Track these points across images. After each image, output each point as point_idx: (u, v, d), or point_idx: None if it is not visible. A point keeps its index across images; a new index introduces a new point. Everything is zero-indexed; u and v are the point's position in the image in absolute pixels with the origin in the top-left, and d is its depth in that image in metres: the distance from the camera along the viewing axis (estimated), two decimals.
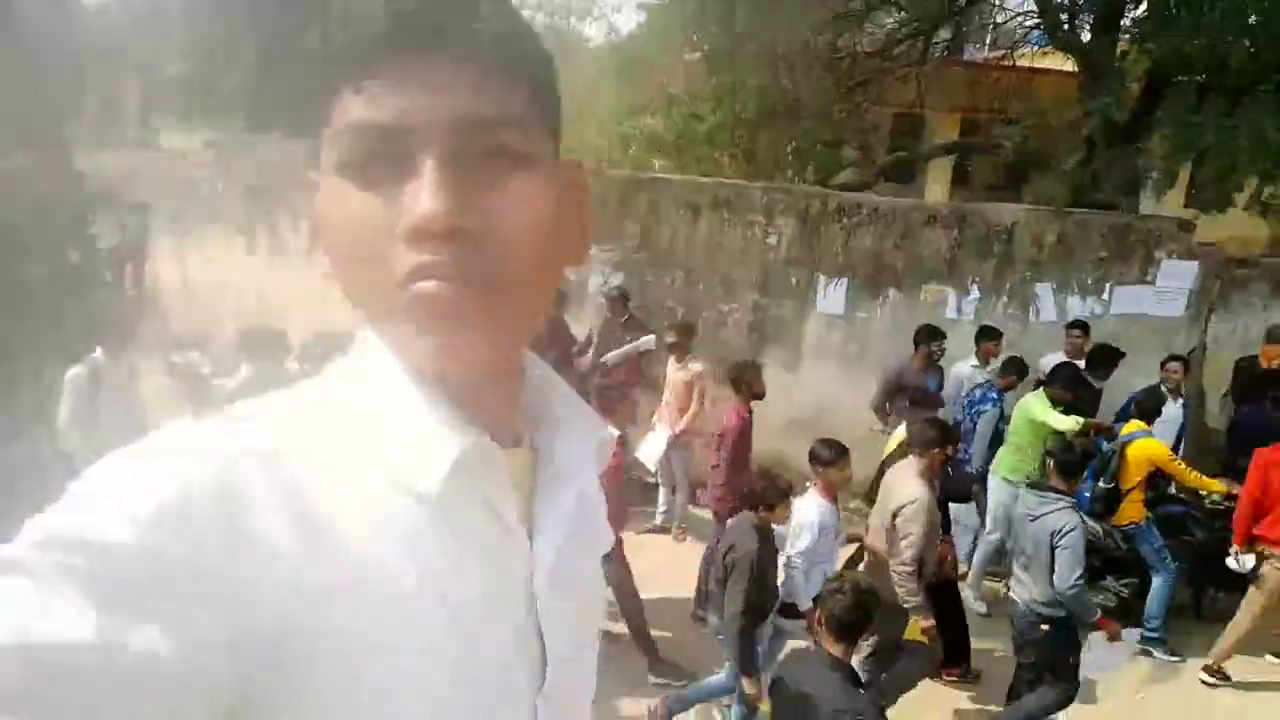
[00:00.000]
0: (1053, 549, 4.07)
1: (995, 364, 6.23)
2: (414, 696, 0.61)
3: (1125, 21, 7.96)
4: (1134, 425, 5.43)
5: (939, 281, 7.17)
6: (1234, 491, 5.20)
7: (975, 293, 7.14)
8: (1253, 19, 6.49)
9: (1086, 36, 8.39)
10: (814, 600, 3.71)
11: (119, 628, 0.49)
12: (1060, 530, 4.05)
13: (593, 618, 0.81)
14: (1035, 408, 5.53)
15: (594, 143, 11.42)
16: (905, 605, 4.03)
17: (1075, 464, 4.27)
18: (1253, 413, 5.95)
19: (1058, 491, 4.19)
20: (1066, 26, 8.40)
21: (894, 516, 4.11)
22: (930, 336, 6.12)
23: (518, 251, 0.63)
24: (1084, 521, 4.27)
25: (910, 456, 4.28)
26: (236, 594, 0.54)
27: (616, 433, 0.84)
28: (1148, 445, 5.28)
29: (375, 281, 0.63)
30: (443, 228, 0.59)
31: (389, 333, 0.66)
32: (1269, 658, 5.35)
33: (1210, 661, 5.12)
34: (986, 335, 6.32)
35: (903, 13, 9.57)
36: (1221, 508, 5.44)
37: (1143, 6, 7.74)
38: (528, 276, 0.64)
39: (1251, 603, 5.01)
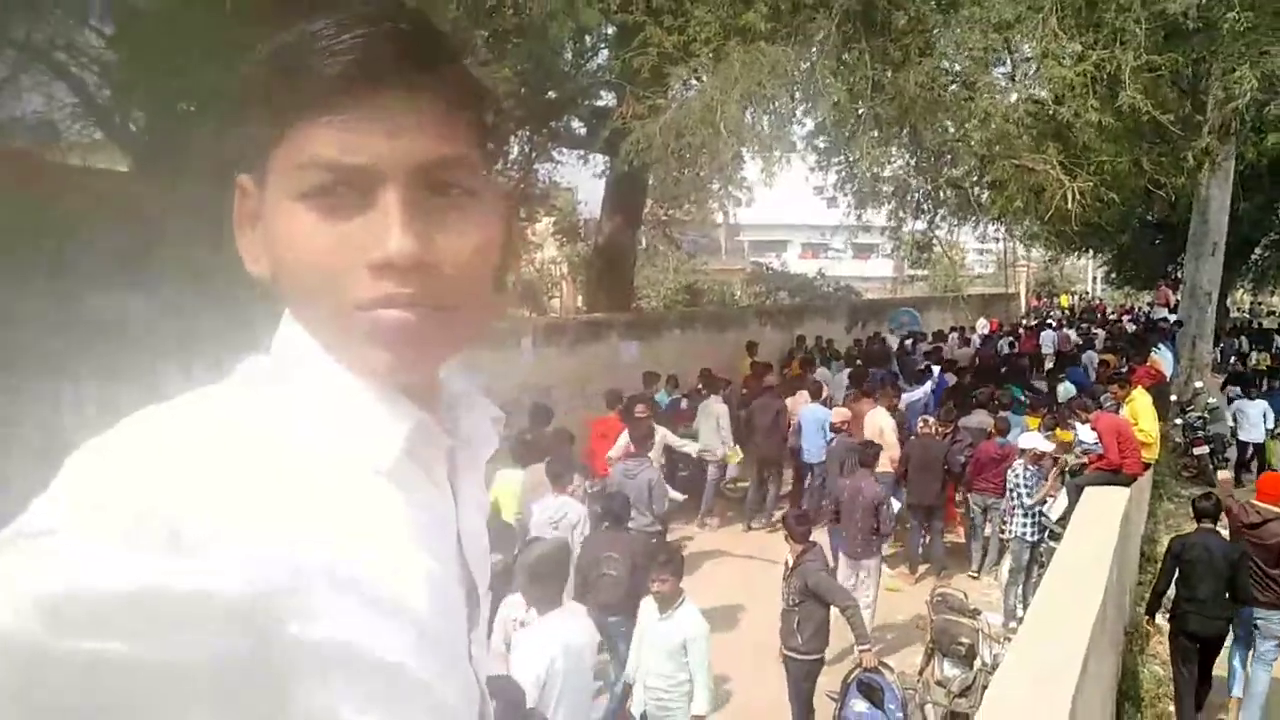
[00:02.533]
0: None
1: None
2: (390, 636, 0.67)
3: None
4: None
5: None
6: None
7: None
8: None
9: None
10: None
11: (162, 569, 0.55)
12: None
13: (488, 566, 0.92)
14: None
15: None
16: None
17: None
18: None
19: None
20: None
21: None
22: None
23: (468, 277, 0.71)
24: None
25: None
26: (247, 536, 0.60)
27: (502, 413, 0.91)
28: None
29: (332, 304, 0.69)
30: (409, 262, 0.67)
31: (341, 347, 0.71)
32: None
33: None
34: None
35: None
36: None
37: None
38: (476, 298, 0.74)
39: None
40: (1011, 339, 21.17)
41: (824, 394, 10.93)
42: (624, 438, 8.00)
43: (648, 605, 4.71)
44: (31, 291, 6.75)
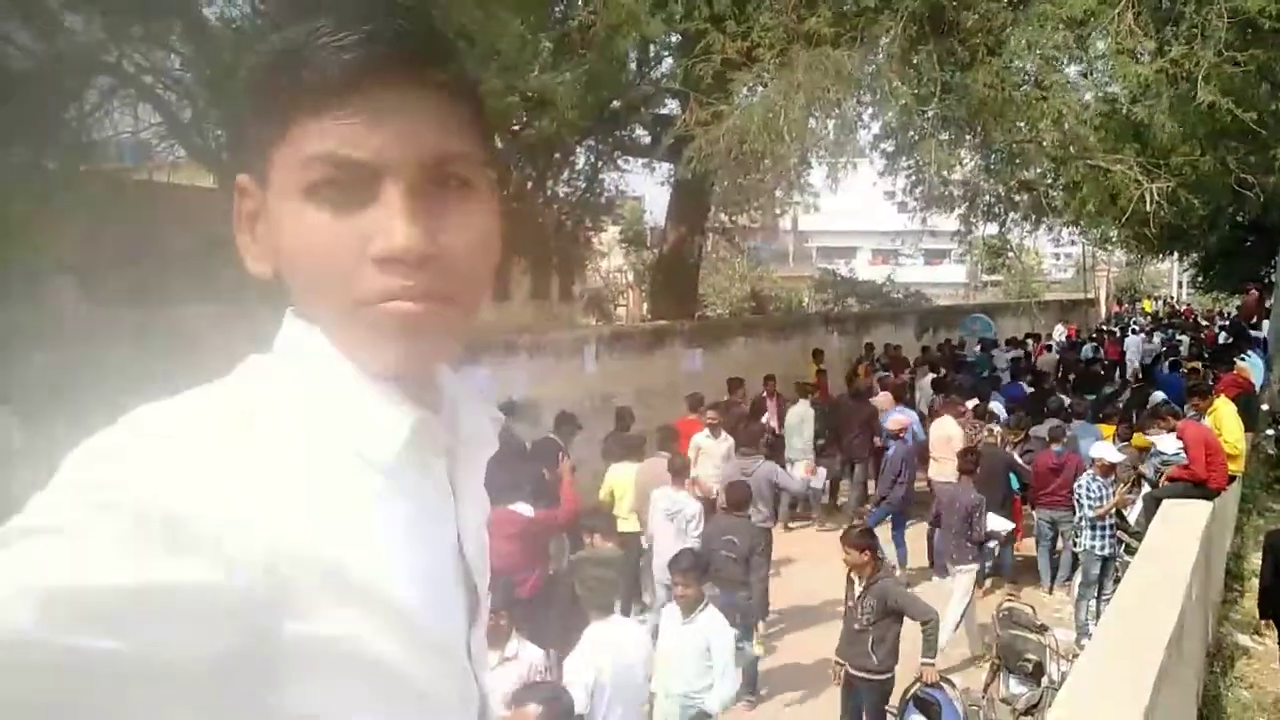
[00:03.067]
0: None
1: None
2: (383, 635, 0.67)
3: None
4: None
5: None
6: None
7: None
8: None
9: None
10: None
11: (162, 567, 0.56)
12: None
13: (488, 565, 0.91)
14: None
15: None
16: None
17: None
18: None
19: None
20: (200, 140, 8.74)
21: None
22: None
23: (469, 269, 0.73)
24: None
25: None
26: (259, 540, 0.61)
27: (501, 415, 0.91)
28: None
29: (339, 300, 0.70)
30: (414, 255, 0.67)
31: (348, 342, 0.72)
32: None
33: None
34: None
35: None
36: None
37: None
38: (477, 291, 0.75)
39: None
40: (1095, 345, 20.47)
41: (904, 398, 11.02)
42: (693, 444, 8.24)
43: (670, 612, 4.68)
44: (115, 304, 7.10)
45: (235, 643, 0.59)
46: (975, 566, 7.20)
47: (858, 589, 5.33)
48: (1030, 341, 18.88)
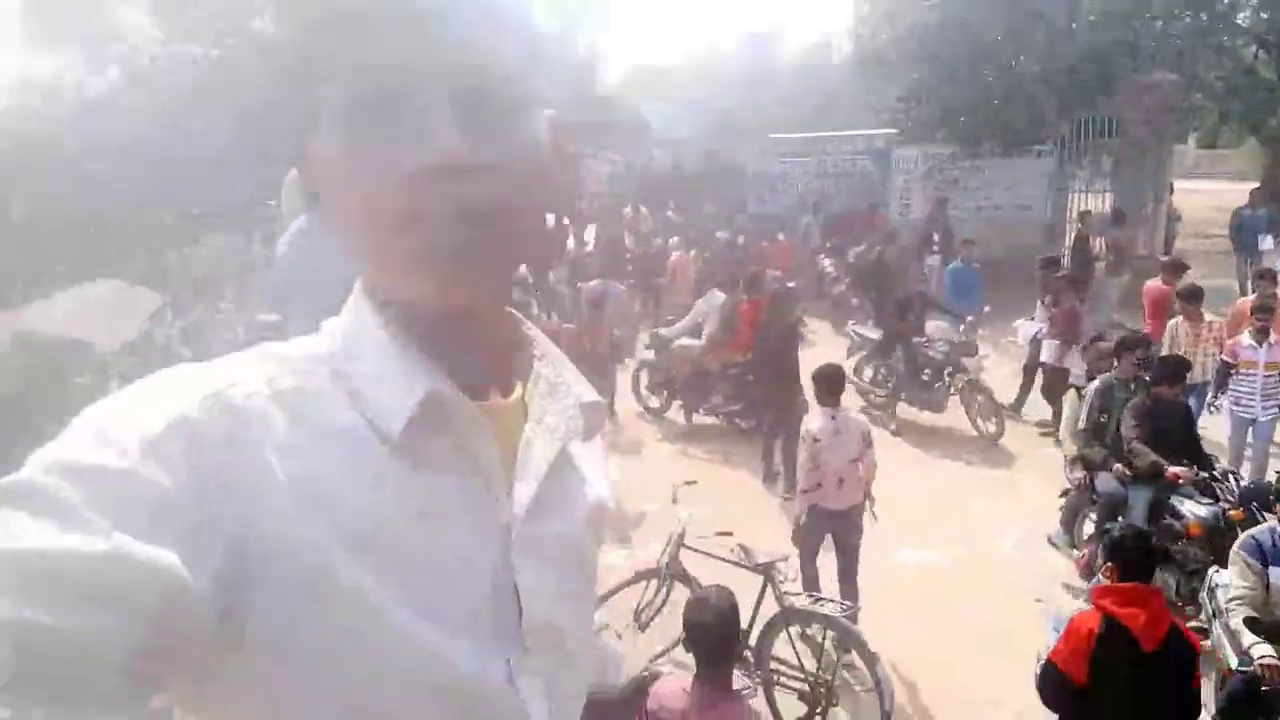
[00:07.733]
0: None
1: None
2: (377, 631, 0.64)
3: None
4: None
5: None
6: None
7: None
8: None
9: None
10: None
11: (126, 542, 0.54)
12: None
13: (580, 587, 0.82)
14: None
15: None
16: None
17: None
18: None
19: None
20: None
21: None
22: None
23: (517, 189, 0.69)
24: None
25: None
26: (223, 517, 0.60)
27: (602, 400, 0.85)
28: None
29: (386, 223, 0.67)
30: (456, 164, 0.65)
31: (397, 272, 0.69)
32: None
33: None
34: None
35: None
36: None
37: None
38: (525, 212, 0.71)
39: None
40: None
41: None
42: None
43: None
44: None
45: (195, 626, 0.57)
46: None
47: None
48: None
